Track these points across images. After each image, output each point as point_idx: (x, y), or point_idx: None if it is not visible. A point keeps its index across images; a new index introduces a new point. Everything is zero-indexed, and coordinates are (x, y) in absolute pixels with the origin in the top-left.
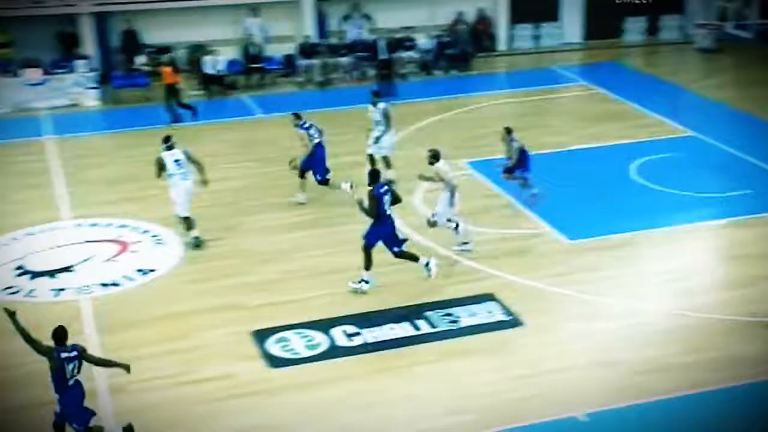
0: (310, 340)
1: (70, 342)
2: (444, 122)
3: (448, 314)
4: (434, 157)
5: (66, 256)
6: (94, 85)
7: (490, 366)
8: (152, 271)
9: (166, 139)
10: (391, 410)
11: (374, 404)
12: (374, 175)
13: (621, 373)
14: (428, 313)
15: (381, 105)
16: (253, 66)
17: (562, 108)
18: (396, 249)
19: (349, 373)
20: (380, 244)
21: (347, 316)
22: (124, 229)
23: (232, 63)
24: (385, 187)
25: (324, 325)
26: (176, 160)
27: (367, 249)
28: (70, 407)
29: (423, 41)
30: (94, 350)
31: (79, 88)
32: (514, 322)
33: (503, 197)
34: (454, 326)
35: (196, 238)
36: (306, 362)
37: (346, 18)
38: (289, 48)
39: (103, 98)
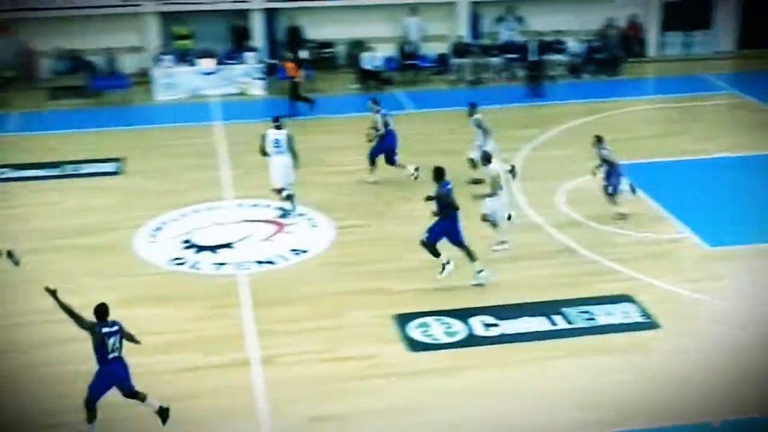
0: (449, 328)
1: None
2: (589, 125)
3: (585, 312)
4: (486, 159)
5: (227, 234)
6: (261, 76)
7: (624, 366)
8: (305, 252)
9: (276, 119)
10: (521, 402)
11: (506, 395)
12: (439, 173)
13: (757, 383)
14: (565, 310)
15: (476, 116)
16: (408, 63)
17: (710, 116)
18: (428, 238)
19: (484, 362)
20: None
21: (486, 307)
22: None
23: (388, 60)
24: (450, 185)
25: (463, 314)
26: (276, 140)
27: (460, 245)
28: (101, 379)
29: (573, 45)
30: (247, 323)
31: (247, 78)
32: (650, 325)
33: (644, 201)
34: (590, 324)
35: (289, 195)
36: (444, 348)
37: (499, 20)
38: (443, 47)
39: (269, 88)
